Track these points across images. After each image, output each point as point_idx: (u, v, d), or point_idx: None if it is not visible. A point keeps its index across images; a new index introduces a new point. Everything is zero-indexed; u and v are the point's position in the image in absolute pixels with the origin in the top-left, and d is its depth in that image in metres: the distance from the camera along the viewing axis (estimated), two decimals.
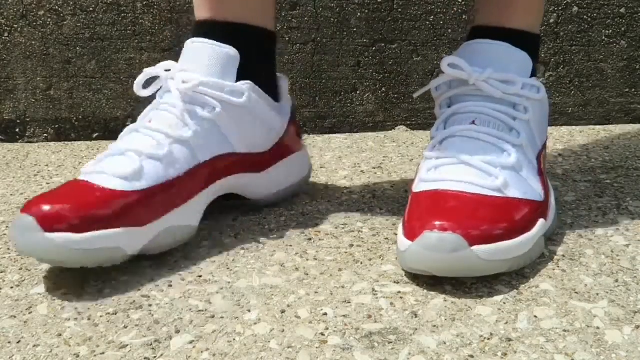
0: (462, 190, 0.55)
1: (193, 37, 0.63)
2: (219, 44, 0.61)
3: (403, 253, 0.53)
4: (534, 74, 0.63)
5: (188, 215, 0.59)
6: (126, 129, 0.61)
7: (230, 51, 0.61)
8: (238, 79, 0.62)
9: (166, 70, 0.62)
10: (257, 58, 0.65)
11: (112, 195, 0.54)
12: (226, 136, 0.61)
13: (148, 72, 0.62)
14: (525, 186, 0.57)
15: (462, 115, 0.60)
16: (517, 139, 0.59)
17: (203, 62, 0.61)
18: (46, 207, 0.52)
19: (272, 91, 0.66)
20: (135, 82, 0.62)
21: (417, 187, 0.58)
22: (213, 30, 0.63)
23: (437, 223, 0.51)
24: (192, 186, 0.59)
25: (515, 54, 0.61)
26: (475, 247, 0.50)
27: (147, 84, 0.63)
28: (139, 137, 0.59)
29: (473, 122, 0.60)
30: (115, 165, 0.56)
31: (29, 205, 0.52)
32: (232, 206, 0.69)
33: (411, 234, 0.52)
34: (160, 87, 0.63)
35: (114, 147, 0.59)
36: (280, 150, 0.66)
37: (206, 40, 0.62)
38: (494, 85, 0.60)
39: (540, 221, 0.56)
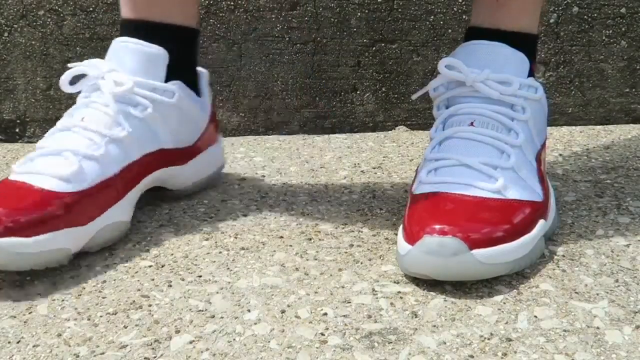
0: (461, 192, 0.55)
1: (121, 35, 0.64)
2: (147, 44, 0.63)
3: (403, 257, 0.52)
4: (531, 74, 0.63)
5: (122, 212, 0.61)
6: (55, 127, 0.61)
7: (159, 51, 0.63)
8: (166, 77, 0.64)
9: (93, 69, 0.63)
10: (182, 56, 0.67)
11: (55, 196, 0.54)
12: (156, 133, 0.64)
13: (75, 70, 0.63)
14: (525, 187, 0.57)
15: (460, 117, 0.60)
16: (516, 140, 0.59)
17: (132, 62, 0.62)
18: None
19: (195, 87, 0.70)
20: (61, 79, 0.62)
21: (416, 189, 0.58)
22: (140, 29, 0.64)
23: (437, 227, 0.51)
24: (126, 184, 0.61)
25: (512, 55, 0.61)
26: (475, 251, 0.50)
27: (74, 80, 0.63)
28: (73, 137, 0.59)
29: (471, 124, 0.59)
30: (53, 165, 0.56)
31: None
32: (232, 206, 0.69)
33: (411, 238, 0.52)
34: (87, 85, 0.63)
35: (47, 146, 0.58)
36: (201, 144, 0.70)
37: (135, 40, 0.63)
38: (491, 86, 0.60)
39: (540, 222, 0.56)
